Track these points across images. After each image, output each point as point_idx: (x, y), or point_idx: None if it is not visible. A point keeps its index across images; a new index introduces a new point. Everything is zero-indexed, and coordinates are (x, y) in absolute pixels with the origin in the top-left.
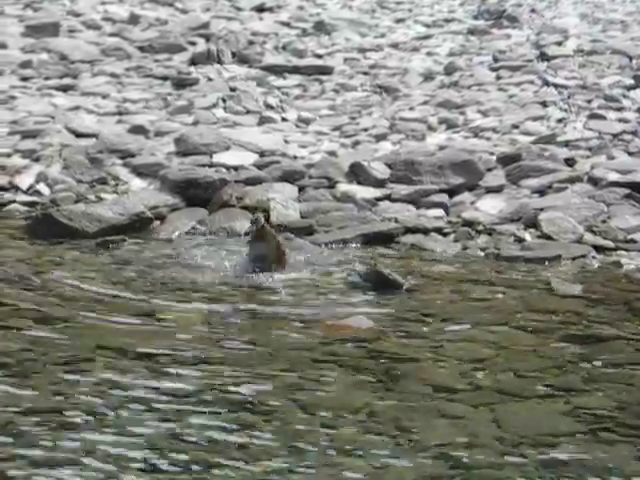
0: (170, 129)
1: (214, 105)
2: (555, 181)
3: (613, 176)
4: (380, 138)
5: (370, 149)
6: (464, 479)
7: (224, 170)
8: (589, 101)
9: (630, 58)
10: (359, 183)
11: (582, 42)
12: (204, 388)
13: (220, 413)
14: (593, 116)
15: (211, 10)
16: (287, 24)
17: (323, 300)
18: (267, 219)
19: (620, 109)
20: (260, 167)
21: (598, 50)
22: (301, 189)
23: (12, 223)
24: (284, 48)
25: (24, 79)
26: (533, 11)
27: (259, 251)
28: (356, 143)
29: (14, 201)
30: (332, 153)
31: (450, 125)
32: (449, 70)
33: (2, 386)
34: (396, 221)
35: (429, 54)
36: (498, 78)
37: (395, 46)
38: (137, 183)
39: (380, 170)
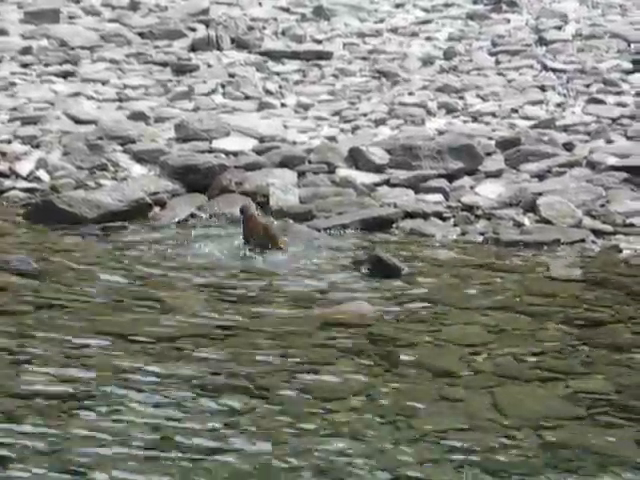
0: (170, 115)
1: (213, 91)
2: (554, 165)
3: (612, 160)
4: (379, 123)
5: (369, 134)
6: (463, 463)
7: (223, 156)
8: (588, 85)
9: (629, 42)
10: (358, 168)
11: (581, 26)
12: (202, 372)
13: (219, 397)
14: (592, 100)
15: None
16: (286, 9)
17: (322, 285)
18: (258, 205)
19: (619, 93)
20: (259, 153)
21: (597, 34)
22: (300, 174)
23: (12, 209)
24: (283, 33)
25: (24, 65)
26: None
27: (250, 238)
28: (355, 128)
29: (14, 188)
30: (331, 138)
31: (449, 110)
32: (448, 55)
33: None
34: (395, 206)
35: (428, 39)
36: (497, 63)
37: (394, 31)
38: (137, 169)
39: (379, 155)
